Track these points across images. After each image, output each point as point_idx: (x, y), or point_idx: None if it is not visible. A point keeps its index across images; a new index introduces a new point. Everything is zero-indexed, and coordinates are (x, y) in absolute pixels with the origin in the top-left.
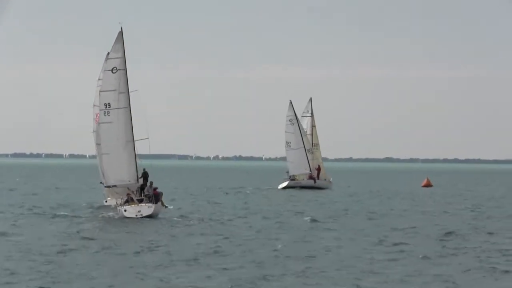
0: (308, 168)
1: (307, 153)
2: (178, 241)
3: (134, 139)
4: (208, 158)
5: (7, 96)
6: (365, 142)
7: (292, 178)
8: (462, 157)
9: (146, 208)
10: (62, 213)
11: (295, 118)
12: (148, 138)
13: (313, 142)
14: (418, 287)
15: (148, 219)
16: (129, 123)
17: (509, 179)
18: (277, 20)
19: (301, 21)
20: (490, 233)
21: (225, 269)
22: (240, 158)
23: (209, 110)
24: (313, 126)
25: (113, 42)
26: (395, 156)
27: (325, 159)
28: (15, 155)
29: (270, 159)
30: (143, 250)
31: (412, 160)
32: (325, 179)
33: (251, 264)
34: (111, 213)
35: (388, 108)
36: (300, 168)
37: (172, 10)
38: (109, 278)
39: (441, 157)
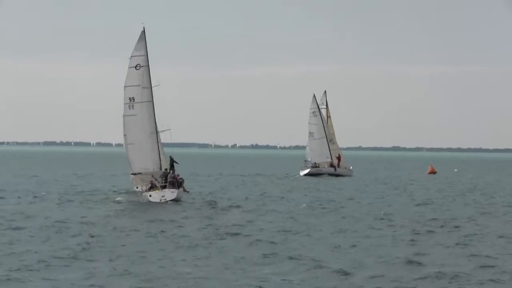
0: (330, 156)
1: (329, 143)
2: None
3: (158, 130)
4: (226, 147)
5: (41, 89)
6: (374, 132)
7: (313, 166)
8: (464, 146)
9: (170, 193)
10: (100, 197)
11: (317, 110)
12: (170, 129)
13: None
14: None
15: (173, 202)
16: (152, 116)
17: (504, 166)
18: (296, 23)
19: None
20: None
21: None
22: (256, 146)
23: (228, 103)
24: (328, 117)
25: (136, 41)
26: (402, 145)
27: None
28: (46, 143)
29: (284, 147)
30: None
31: (418, 149)
32: (345, 167)
33: None
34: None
35: (395, 100)
36: (321, 157)
37: (190, 10)
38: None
39: (445, 146)
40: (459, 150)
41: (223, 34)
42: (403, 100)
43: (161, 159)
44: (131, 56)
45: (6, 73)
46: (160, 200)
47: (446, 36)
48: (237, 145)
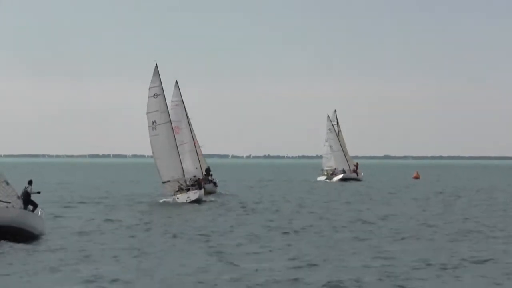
0: (348, 166)
1: (345, 155)
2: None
3: (177, 145)
4: (242, 157)
5: (83, 107)
6: (366, 142)
7: (332, 173)
8: (445, 154)
9: (193, 194)
10: (143, 200)
11: (332, 127)
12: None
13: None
14: None
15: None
16: (171, 134)
17: (476, 172)
18: (304, 44)
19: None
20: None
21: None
22: (268, 156)
23: (244, 117)
24: (339, 131)
25: (152, 75)
26: (392, 154)
27: None
28: (91, 155)
29: (291, 157)
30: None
31: (405, 157)
32: (361, 174)
33: None
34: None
35: (386, 114)
36: (343, 166)
37: (201, 30)
38: None
39: (429, 154)
40: (440, 157)
41: (238, 52)
42: (393, 114)
43: (183, 167)
44: (149, 88)
45: (56, 93)
46: (186, 200)
47: (429, 55)
48: (251, 155)
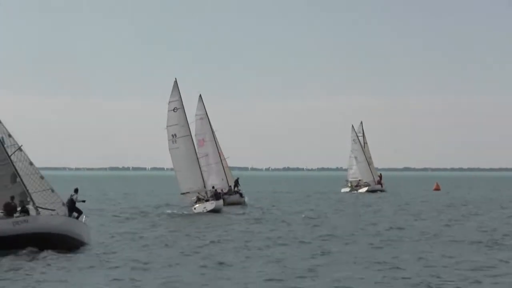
0: (372, 176)
1: (369, 165)
2: None
3: (198, 157)
4: (261, 169)
5: (103, 122)
6: (386, 154)
7: (356, 185)
8: (465, 166)
9: (209, 204)
10: (168, 211)
11: (357, 138)
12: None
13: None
14: None
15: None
16: (192, 147)
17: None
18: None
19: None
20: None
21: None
22: (288, 169)
23: (263, 131)
24: (365, 143)
25: (171, 89)
26: (411, 166)
27: None
28: (111, 168)
29: (311, 169)
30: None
31: (425, 169)
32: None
33: None
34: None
35: (405, 128)
36: (367, 177)
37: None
38: None
39: (448, 166)
40: (460, 169)
41: (258, 66)
42: (413, 129)
43: (207, 179)
44: (169, 102)
45: (86, 109)
46: (203, 210)
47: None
48: (271, 167)
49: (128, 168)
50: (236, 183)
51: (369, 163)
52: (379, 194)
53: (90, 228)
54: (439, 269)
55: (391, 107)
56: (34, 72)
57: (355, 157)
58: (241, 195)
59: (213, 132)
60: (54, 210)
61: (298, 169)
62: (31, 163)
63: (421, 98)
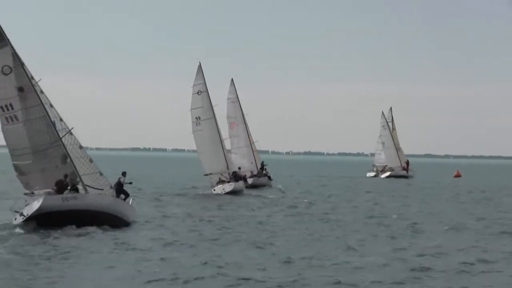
0: (399, 162)
1: (398, 151)
2: None
3: (222, 139)
4: (282, 153)
5: (127, 101)
6: (407, 141)
7: (382, 170)
8: (486, 154)
9: (228, 186)
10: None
11: (386, 124)
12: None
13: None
14: None
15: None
16: (215, 129)
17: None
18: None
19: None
20: None
21: None
22: (309, 153)
23: (283, 113)
24: (393, 129)
25: (195, 73)
26: (433, 153)
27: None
28: (132, 149)
29: (332, 154)
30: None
31: (446, 156)
32: (413, 171)
33: None
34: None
35: (427, 115)
36: (394, 162)
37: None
38: None
39: (469, 154)
40: (481, 157)
41: (281, 51)
42: (435, 116)
43: (227, 161)
44: (193, 85)
45: (101, 88)
46: (221, 192)
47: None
48: (292, 151)
49: (149, 149)
50: (262, 166)
51: (398, 149)
52: (407, 180)
53: (136, 209)
54: None
55: (413, 94)
56: (56, 52)
57: (383, 143)
58: (269, 177)
59: (243, 115)
60: (102, 189)
61: (318, 153)
62: (80, 147)
63: (443, 85)
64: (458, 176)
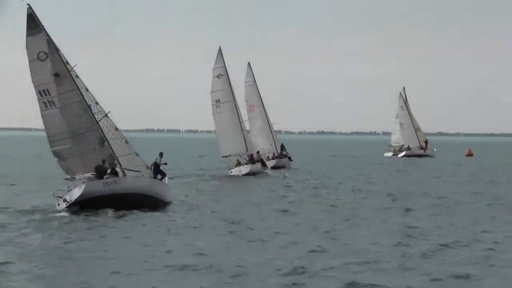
0: (418, 141)
1: (416, 131)
2: None
3: (242, 120)
4: (295, 133)
5: (142, 84)
6: (421, 119)
7: (399, 149)
8: (497, 131)
9: (244, 168)
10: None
11: (404, 104)
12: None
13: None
14: None
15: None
16: (235, 111)
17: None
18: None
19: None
20: None
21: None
22: (322, 132)
23: (296, 92)
24: (409, 109)
25: (215, 56)
26: (444, 131)
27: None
28: (147, 130)
29: (345, 133)
30: None
31: (457, 134)
32: (433, 150)
33: None
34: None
35: (439, 91)
36: (412, 142)
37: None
38: None
39: (481, 132)
40: (492, 135)
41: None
42: (444, 94)
43: (247, 143)
44: (213, 69)
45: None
46: (238, 174)
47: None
48: (305, 131)
49: (162, 130)
50: (282, 147)
51: (416, 129)
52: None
53: (171, 188)
54: None
55: (426, 74)
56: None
57: (401, 123)
58: (289, 158)
59: (261, 98)
60: (139, 172)
61: (331, 133)
62: (116, 129)
63: (454, 64)
64: (470, 154)
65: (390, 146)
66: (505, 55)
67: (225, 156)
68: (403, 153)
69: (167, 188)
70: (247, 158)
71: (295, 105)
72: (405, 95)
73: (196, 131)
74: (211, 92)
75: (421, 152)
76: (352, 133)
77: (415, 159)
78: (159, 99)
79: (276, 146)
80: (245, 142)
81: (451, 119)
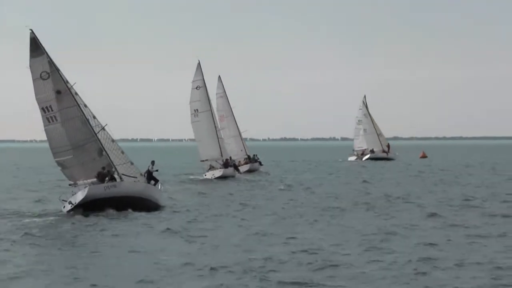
0: (381, 146)
1: (379, 136)
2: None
3: (218, 129)
4: (259, 140)
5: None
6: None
7: (362, 153)
8: (448, 135)
9: (218, 172)
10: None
11: (367, 111)
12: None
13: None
14: None
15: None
16: (211, 121)
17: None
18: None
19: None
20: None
21: None
22: (285, 139)
23: (261, 102)
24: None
25: (195, 70)
26: (399, 135)
27: None
28: (122, 140)
29: (306, 139)
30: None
31: (411, 138)
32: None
33: None
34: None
35: (395, 97)
36: (373, 146)
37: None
38: None
39: (433, 135)
40: (444, 138)
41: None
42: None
43: (221, 149)
44: (193, 81)
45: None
46: (211, 177)
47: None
48: (269, 138)
49: (135, 140)
50: (253, 156)
51: (379, 134)
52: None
53: (164, 193)
54: None
55: (382, 79)
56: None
57: (365, 129)
58: (260, 163)
59: (231, 108)
60: (136, 177)
61: (293, 139)
62: (113, 140)
63: (412, 71)
64: (424, 156)
65: (353, 150)
66: (455, 60)
67: (203, 161)
68: (367, 156)
69: (160, 192)
70: (221, 163)
71: (259, 113)
72: (366, 103)
73: (167, 140)
74: (190, 102)
75: (384, 155)
76: (313, 139)
77: (379, 162)
78: (132, 108)
79: (246, 152)
80: (220, 148)
81: (405, 124)
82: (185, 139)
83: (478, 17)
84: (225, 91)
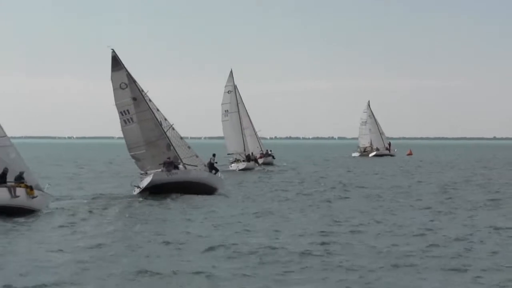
0: (383, 144)
1: (381, 135)
2: None
3: (243, 127)
4: (267, 138)
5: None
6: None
7: (364, 150)
8: (432, 135)
9: (241, 164)
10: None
11: (372, 114)
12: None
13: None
14: None
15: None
16: (238, 120)
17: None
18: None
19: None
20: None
21: None
22: (290, 138)
23: (270, 103)
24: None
25: (227, 76)
26: (389, 136)
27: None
28: (101, 137)
29: (308, 138)
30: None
31: (401, 138)
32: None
33: None
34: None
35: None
36: (377, 144)
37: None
38: None
39: (418, 136)
40: (427, 138)
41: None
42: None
43: (245, 145)
44: (225, 85)
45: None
46: (236, 169)
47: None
48: (276, 136)
49: (112, 137)
50: (267, 151)
51: (381, 133)
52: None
53: (224, 181)
54: None
55: (377, 86)
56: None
57: (370, 129)
58: (273, 157)
59: (246, 111)
60: (196, 166)
61: (296, 138)
62: (181, 138)
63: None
64: (410, 154)
65: (358, 147)
66: (439, 65)
67: (229, 154)
68: (373, 153)
69: (221, 180)
70: (245, 157)
71: (268, 113)
72: (371, 107)
73: (186, 138)
74: (222, 103)
75: (386, 152)
76: (313, 138)
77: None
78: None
79: (261, 148)
80: (244, 144)
81: (396, 125)
82: (203, 137)
83: (479, 18)
84: (241, 97)
